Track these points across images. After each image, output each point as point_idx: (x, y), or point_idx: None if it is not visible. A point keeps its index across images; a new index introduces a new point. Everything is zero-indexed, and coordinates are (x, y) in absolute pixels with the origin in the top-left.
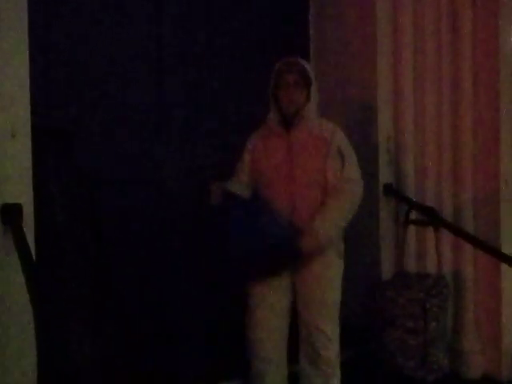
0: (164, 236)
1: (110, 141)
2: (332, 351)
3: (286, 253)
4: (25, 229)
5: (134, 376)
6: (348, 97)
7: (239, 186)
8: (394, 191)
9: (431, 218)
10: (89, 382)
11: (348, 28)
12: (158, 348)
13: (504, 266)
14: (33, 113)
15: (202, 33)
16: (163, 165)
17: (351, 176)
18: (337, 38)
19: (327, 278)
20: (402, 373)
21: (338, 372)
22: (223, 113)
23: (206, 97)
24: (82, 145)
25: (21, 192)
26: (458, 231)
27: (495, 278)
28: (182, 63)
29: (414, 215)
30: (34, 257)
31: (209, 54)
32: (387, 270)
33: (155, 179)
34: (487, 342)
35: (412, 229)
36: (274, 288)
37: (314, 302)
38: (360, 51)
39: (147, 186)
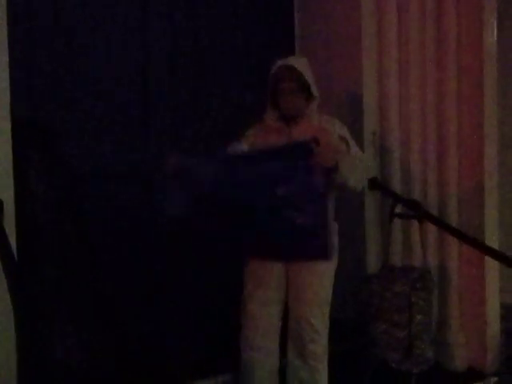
0: (152, 230)
1: (94, 136)
2: (320, 345)
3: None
4: (6, 226)
5: (125, 369)
6: (333, 93)
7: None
8: (380, 185)
9: (416, 211)
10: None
11: (333, 24)
12: (149, 341)
13: (488, 259)
14: (14, 108)
15: (188, 30)
16: (149, 159)
17: (358, 151)
18: (322, 34)
19: (321, 272)
20: (388, 365)
21: (325, 366)
22: (210, 108)
23: (192, 92)
24: (67, 140)
25: (2, 188)
26: (443, 224)
27: (479, 270)
28: (168, 60)
29: (399, 209)
30: (15, 254)
31: (194, 52)
32: (373, 263)
33: (142, 174)
34: (472, 335)
35: (397, 222)
36: (268, 278)
37: (305, 294)
38: (345, 47)
39: (134, 181)
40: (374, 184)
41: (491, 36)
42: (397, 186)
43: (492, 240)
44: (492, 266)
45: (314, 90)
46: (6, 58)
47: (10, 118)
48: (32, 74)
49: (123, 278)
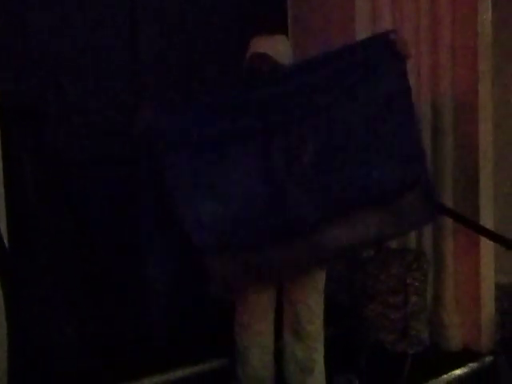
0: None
1: (83, 119)
2: (316, 325)
3: None
4: None
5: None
6: None
7: None
8: None
9: None
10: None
11: (327, 7)
12: (142, 326)
13: (483, 240)
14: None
15: (177, 8)
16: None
17: None
18: (315, 18)
19: None
20: (383, 347)
21: (321, 346)
22: (200, 88)
23: (182, 72)
24: (55, 123)
25: None
26: (437, 205)
27: (474, 251)
28: (159, 40)
29: None
30: (5, 242)
31: (185, 31)
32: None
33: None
34: (467, 316)
35: None
36: None
37: (301, 277)
38: (339, 30)
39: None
40: None
41: (486, 15)
42: None
43: (487, 221)
44: (487, 246)
45: None
46: None
47: None
48: (19, 57)
49: (116, 262)
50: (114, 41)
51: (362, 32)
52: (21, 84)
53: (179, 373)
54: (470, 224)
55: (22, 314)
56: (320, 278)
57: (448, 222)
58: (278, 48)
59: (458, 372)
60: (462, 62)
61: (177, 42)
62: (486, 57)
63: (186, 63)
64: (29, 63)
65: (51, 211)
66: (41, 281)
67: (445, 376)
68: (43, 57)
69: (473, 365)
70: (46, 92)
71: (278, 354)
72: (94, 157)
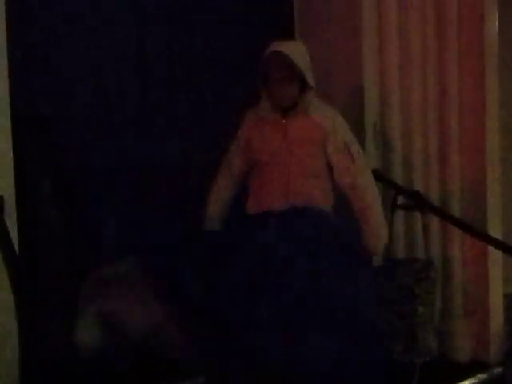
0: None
1: (91, 129)
2: None
3: None
4: (8, 221)
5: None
6: (333, 82)
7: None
8: (381, 177)
9: (418, 202)
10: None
11: (333, 9)
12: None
13: (491, 249)
14: (13, 103)
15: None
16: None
17: (364, 169)
18: (322, 18)
19: None
20: (390, 357)
21: None
22: (206, 95)
23: (189, 81)
24: (64, 134)
25: (3, 184)
26: (445, 215)
27: (482, 261)
28: (164, 51)
29: (401, 201)
30: (17, 250)
31: (190, 36)
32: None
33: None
34: (475, 326)
35: (400, 214)
36: None
37: None
38: (345, 34)
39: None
40: (376, 176)
41: (492, 25)
42: (398, 178)
43: (495, 231)
44: (495, 256)
45: (310, 78)
46: (4, 61)
47: (10, 113)
48: (29, 68)
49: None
50: (121, 51)
51: (368, 40)
52: (31, 95)
53: None
54: (478, 234)
55: (31, 314)
56: None
57: (456, 232)
58: (295, 50)
59: (466, 383)
60: (468, 72)
61: (182, 43)
62: (492, 71)
63: (192, 63)
64: (39, 73)
65: (61, 219)
66: (49, 286)
67: None
68: (52, 71)
69: (481, 376)
70: (54, 101)
71: None
72: (102, 164)
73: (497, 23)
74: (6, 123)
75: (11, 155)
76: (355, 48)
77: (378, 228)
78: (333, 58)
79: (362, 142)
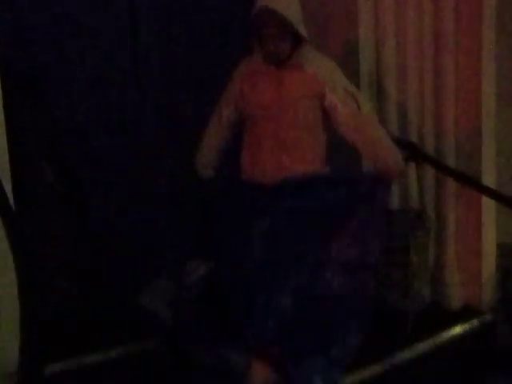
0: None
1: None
2: None
3: None
4: (2, 177)
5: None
6: (328, 32)
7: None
8: None
9: (412, 152)
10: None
11: None
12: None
13: (485, 200)
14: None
15: None
16: (139, 111)
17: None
18: None
19: None
20: (385, 304)
21: None
22: (205, 57)
23: (184, 40)
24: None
25: None
26: (439, 165)
27: (476, 212)
28: (159, 10)
29: None
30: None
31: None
32: None
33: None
34: (468, 274)
35: None
36: None
37: None
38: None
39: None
40: None
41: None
42: (393, 128)
43: (489, 181)
44: (489, 205)
45: (303, 31)
46: None
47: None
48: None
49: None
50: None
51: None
52: (22, 53)
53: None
54: (472, 183)
55: (31, 271)
56: None
57: (450, 182)
58: (286, 4)
59: (458, 329)
60: (465, 26)
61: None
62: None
63: (187, 38)
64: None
65: (54, 176)
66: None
67: (445, 333)
68: (42, 27)
69: (473, 322)
70: (47, 61)
71: None
72: (93, 124)
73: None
74: None
75: (2, 116)
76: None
77: (392, 148)
78: (327, 9)
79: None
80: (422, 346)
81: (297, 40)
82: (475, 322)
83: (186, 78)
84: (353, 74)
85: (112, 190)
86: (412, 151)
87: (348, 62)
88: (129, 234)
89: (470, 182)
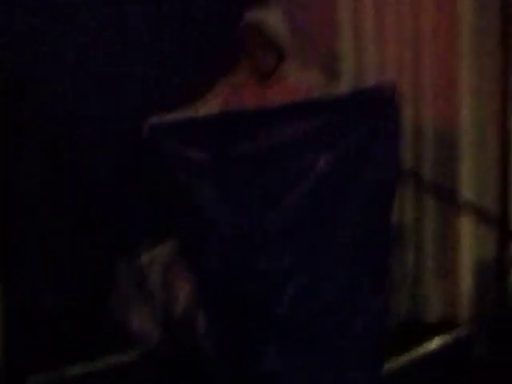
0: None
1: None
2: None
3: None
4: None
5: None
6: (309, 44)
7: None
8: None
9: None
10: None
11: None
12: None
13: (463, 214)
14: None
15: None
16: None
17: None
18: None
19: None
20: None
21: None
22: (194, 55)
23: (174, 37)
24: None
25: None
26: (418, 178)
27: (454, 227)
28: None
29: None
30: None
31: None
32: None
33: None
34: (445, 289)
35: None
36: None
37: None
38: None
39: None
40: None
41: None
42: None
43: (467, 193)
44: (467, 220)
45: (287, 46)
46: None
47: None
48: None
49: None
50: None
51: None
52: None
53: None
54: (450, 196)
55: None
56: None
57: (428, 197)
58: (272, 19)
59: (435, 342)
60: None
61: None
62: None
63: (176, 30)
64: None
65: (43, 174)
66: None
67: (422, 346)
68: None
69: (450, 335)
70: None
71: None
72: (81, 119)
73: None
74: None
75: None
76: (331, 14)
77: None
78: (308, 22)
79: None
80: (400, 359)
81: (281, 55)
82: (452, 336)
83: (177, 70)
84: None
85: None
86: None
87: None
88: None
89: (448, 194)
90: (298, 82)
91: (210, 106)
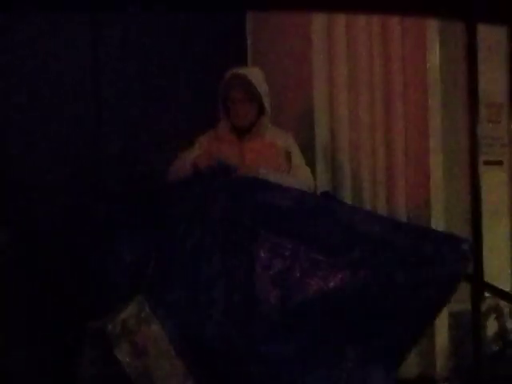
0: None
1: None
2: None
3: None
4: None
5: None
6: (285, 106)
7: None
8: (332, 198)
9: None
10: None
11: (285, 40)
12: None
13: None
14: None
15: (141, 48)
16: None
17: (300, 164)
18: (274, 47)
19: None
20: None
21: None
22: (164, 115)
23: (145, 103)
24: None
25: None
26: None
27: None
28: (120, 69)
29: None
30: None
31: (147, 60)
32: None
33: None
34: (422, 344)
35: None
36: None
37: None
38: (296, 64)
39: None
40: (326, 197)
41: (434, 56)
42: (348, 199)
43: None
44: None
45: (267, 102)
46: None
47: None
48: None
49: None
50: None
51: (318, 65)
52: None
53: None
54: None
55: None
56: None
57: None
58: (255, 75)
59: None
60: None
61: (138, 71)
62: (435, 96)
63: (146, 96)
64: None
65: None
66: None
67: None
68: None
69: None
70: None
71: None
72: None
73: (438, 52)
74: None
75: None
76: (306, 75)
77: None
78: (284, 84)
79: (312, 164)
80: None
81: (260, 111)
82: None
83: (148, 134)
84: (308, 148)
85: None
86: None
87: (304, 136)
88: None
89: None
90: (274, 138)
91: (193, 154)
